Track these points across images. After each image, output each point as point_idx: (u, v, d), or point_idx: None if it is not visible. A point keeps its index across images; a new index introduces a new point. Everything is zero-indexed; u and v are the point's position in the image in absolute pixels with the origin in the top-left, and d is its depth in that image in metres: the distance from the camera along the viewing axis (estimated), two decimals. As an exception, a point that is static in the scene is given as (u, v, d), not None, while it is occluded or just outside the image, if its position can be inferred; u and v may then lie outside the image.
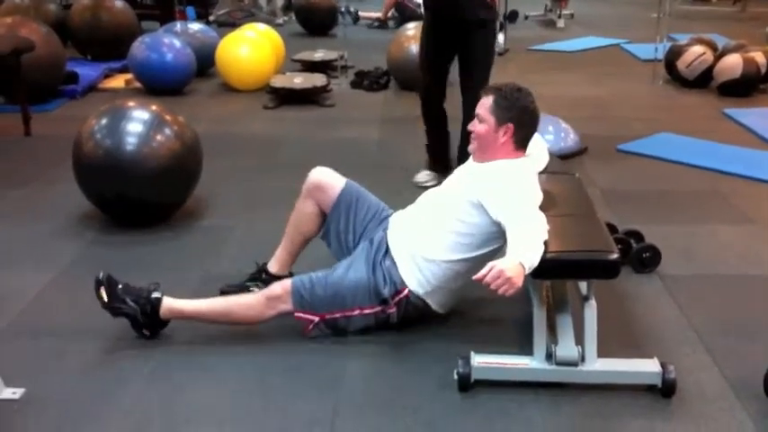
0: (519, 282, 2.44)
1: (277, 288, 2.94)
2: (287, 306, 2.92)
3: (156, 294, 2.94)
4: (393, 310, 2.94)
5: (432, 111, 4.65)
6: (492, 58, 4.51)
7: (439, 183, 4.45)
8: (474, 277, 2.49)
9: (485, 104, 2.93)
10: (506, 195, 2.75)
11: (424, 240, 2.94)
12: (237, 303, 2.98)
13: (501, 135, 2.90)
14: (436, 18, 4.44)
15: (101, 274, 2.94)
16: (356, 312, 2.94)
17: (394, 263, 2.96)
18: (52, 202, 4.33)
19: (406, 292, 2.93)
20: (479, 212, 2.82)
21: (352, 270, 2.97)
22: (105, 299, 2.91)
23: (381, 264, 2.96)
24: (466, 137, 4.40)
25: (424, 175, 4.65)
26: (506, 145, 2.91)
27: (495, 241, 2.87)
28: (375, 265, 2.96)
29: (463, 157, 4.50)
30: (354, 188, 3.22)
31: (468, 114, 4.46)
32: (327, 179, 3.21)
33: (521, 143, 2.94)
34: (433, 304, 2.99)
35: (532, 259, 2.51)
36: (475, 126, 2.96)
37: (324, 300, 2.92)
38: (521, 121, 2.90)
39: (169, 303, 2.94)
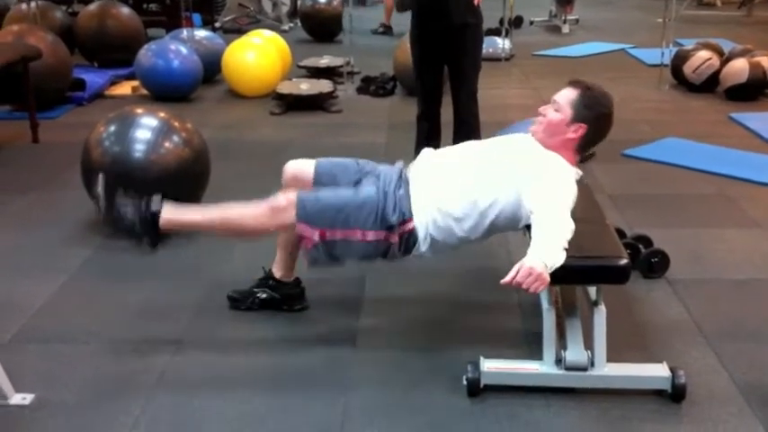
0: (547, 278, 2.43)
1: (282, 200, 2.85)
2: (290, 217, 2.82)
3: (155, 205, 2.88)
4: (396, 240, 2.82)
5: (428, 120, 4.65)
6: (480, 61, 4.54)
7: None
8: (502, 281, 2.43)
9: (567, 96, 2.84)
10: (552, 190, 2.67)
11: (451, 196, 2.82)
12: (243, 214, 2.90)
13: (571, 131, 2.82)
14: (424, 24, 4.45)
15: (99, 185, 2.88)
16: (358, 235, 2.81)
17: (408, 195, 2.85)
18: (60, 208, 4.35)
19: (412, 224, 2.82)
20: (518, 193, 2.74)
21: (361, 190, 2.88)
22: (104, 211, 2.87)
23: (394, 193, 2.85)
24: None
25: None
26: (570, 142, 2.84)
27: (510, 226, 2.84)
28: (387, 193, 2.85)
29: None
30: (326, 163, 3.10)
31: (459, 117, 4.49)
32: (301, 166, 3.11)
33: (583, 147, 2.88)
34: (422, 247, 2.87)
35: (555, 259, 2.48)
36: (547, 111, 2.86)
37: (327, 212, 2.80)
38: (596, 125, 2.84)
39: (170, 214, 2.89)
